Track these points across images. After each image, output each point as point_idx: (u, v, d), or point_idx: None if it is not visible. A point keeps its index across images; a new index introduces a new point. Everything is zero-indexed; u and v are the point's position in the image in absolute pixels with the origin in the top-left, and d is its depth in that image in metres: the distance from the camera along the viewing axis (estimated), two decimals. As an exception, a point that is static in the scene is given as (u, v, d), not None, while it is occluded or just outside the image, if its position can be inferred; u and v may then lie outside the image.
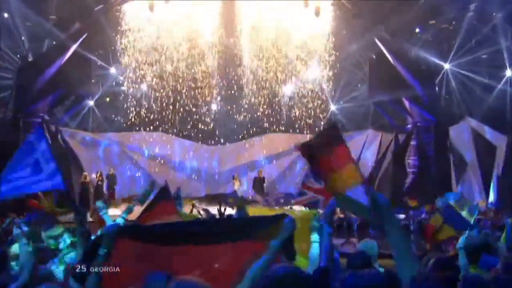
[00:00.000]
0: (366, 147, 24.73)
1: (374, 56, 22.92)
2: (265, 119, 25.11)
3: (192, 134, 25.50)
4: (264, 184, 23.23)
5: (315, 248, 4.82)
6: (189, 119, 25.08)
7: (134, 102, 24.01)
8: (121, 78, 23.94)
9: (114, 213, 9.38)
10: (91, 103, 24.54)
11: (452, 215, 8.25)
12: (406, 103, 22.60)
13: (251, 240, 3.68)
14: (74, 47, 21.24)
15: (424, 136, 22.18)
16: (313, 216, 5.44)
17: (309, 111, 24.58)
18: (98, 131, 25.00)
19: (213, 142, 25.68)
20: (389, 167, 22.86)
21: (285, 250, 3.72)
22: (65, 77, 20.90)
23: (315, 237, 4.94)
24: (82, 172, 22.08)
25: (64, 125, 23.55)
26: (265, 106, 24.68)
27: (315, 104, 24.51)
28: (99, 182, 21.51)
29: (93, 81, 24.17)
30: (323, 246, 4.46)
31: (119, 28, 21.93)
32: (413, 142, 22.70)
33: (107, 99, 24.73)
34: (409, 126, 23.27)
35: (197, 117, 25.07)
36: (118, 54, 22.81)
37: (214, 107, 25.66)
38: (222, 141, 25.70)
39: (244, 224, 4.00)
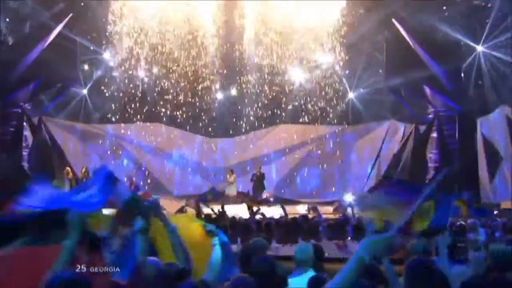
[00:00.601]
0: (387, 140, 23.61)
1: (392, 37, 21.61)
2: (274, 109, 24.18)
3: (194, 125, 24.55)
4: (264, 181, 22.17)
5: (216, 252, 5.10)
6: (190, 109, 24.12)
7: (130, 90, 23.24)
8: (115, 64, 23.16)
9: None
10: (83, 91, 23.55)
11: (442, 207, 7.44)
12: (427, 90, 21.29)
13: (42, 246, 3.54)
14: (58, 28, 20.50)
15: (446, 127, 20.93)
16: (200, 221, 5.81)
17: (323, 100, 23.69)
18: (89, 121, 24.13)
19: (217, 135, 24.73)
20: (408, 162, 21.70)
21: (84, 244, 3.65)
22: (49, 62, 20.07)
23: (215, 240, 5.24)
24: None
25: (49, 115, 22.70)
26: (274, 94, 23.83)
27: (330, 92, 23.57)
28: (85, 179, 20.80)
29: (86, 67, 23.49)
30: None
31: (112, 10, 21.33)
32: (434, 134, 21.47)
33: (99, 86, 23.55)
34: (430, 116, 21.99)
35: (199, 107, 24.10)
36: (112, 38, 22.05)
37: (219, 96, 24.84)
38: (226, 134, 24.80)
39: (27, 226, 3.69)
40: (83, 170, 20.53)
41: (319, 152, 24.78)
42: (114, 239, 5.67)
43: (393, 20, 20.82)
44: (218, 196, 16.39)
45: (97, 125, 24.30)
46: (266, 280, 4.32)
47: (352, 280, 2.88)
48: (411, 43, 20.54)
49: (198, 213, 13.67)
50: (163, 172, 24.47)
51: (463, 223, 10.55)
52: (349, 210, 18.11)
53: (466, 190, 18.14)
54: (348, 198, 20.03)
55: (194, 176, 24.60)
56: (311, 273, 5.34)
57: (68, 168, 20.94)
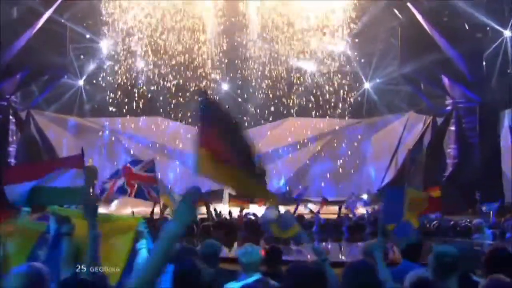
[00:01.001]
0: (405, 134, 22.99)
1: (407, 21, 20.93)
2: (282, 101, 23.65)
3: (196, 119, 24.18)
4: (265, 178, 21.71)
5: (142, 257, 5.09)
6: (192, 102, 23.76)
7: (128, 82, 22.88)
8: (113, 53, 22.80)
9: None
10: (78, 82, 23.20)
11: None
12: (445, 80, 20.58)
13: None
14: (48, 13, 20.09)
15: (465, 119, 20.23)
16: (139, 222, 5.66)
17: (336, 91, 23.13)
18: (83, 115, 23.82)
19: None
20: (424, 157, 21.04)
21: None
22: (39, 51, 19.75)
23: (141, 243, 5.28)
24: (58, 164, 21.10)
25: (39, 108, 22.34)
26: (282, 86, 23.30)
27: (343, 82, 23.02)
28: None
29: (81, 57, 23.26)
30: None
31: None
32: (452, 127, 20.80)
33: (96, 77, 23.17)
34: (448, 108, 21.24)
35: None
36: (108, 26, 21.74)
37: (224, 87, 24.40)
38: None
39: None
40: (77, 167, 20.19)
41: (331, 147, 24.31)
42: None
43: (408, 3, 20.17)
44: (204, 195, 15.84)
45: (93, 118, 23.97)
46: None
47: (167, 256, 2.96)
48: (427, 29, 19.88)
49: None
50: (163, 168, 24.08)
51: (469, 224, 10.16)
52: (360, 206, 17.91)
53: (487, 190, 17.47)
54: (363, 197, 19.76)
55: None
56: (256, 278, 5.35)
57: (55, 166, 20.65)
